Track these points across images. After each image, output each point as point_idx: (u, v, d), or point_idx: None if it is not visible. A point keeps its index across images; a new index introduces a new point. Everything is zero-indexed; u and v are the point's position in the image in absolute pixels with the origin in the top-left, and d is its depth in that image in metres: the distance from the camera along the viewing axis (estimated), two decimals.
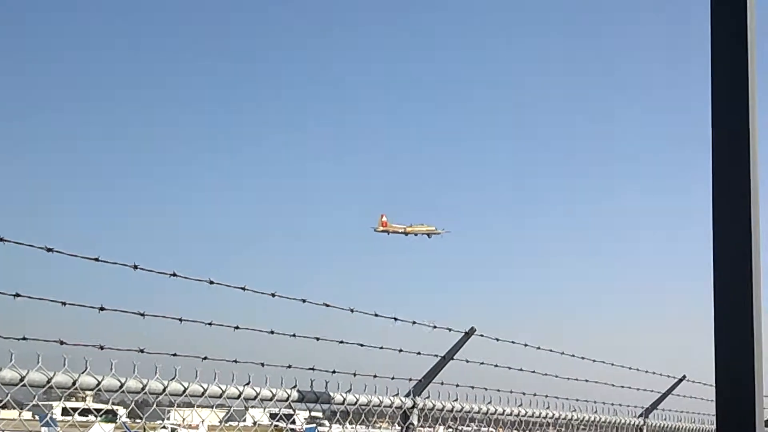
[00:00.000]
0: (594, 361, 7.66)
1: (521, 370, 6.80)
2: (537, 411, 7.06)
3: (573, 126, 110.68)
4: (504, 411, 6.68)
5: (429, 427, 6.44)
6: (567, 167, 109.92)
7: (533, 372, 6.92)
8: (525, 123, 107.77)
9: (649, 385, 8.97)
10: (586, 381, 7.70)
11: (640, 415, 8.91)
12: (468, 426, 7.34)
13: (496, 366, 6.48)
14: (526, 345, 6.75)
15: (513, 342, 6.61)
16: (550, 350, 7.01)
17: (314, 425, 8.47)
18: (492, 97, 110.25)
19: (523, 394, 6.86)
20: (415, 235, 73.13)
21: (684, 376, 9.17)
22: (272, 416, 5.39)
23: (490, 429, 7.77)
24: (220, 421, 5.29)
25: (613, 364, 8.01)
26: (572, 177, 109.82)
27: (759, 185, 2.50)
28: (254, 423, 5.72)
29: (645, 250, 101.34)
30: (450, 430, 7.04)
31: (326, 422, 6.68)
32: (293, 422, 7.54)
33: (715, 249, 2.49)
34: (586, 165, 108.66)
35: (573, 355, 7.35)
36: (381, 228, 72.53)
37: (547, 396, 7.17)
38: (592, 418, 7.82)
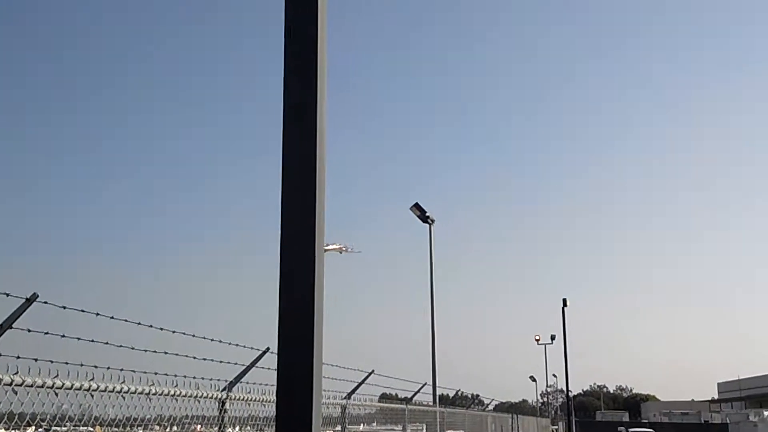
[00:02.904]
0: (174, 332, 7.46)
1: (93, 341, 6.39)
2: (111, 385, 6.69)
3: None
4: (73, 385, 6.24)
5: None
6: None
7: (107, 344, 6.54)
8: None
9: (233, 357, 9.00)
10: (166, 353, 7.46)
11: (224, 389, 8.91)
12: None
13: (63, 336, 6.02)
14: (98, 314, 6.36)
15: (82, 311, 6.19)
16: (125, 320, 6.68)
17: None
18: None
19: (95, 367, 6.46)
20: None
21: (268, 348, 9.36)
22: None
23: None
24: None
25: (194, 336, 7.87)
26: None
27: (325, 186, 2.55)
28: None
29: None
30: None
31: None
32: None
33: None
34: None
35: (151, 326, 7.09)
36: None
37: (122, 369, 6.83)
38: (172, 392, 7.63)
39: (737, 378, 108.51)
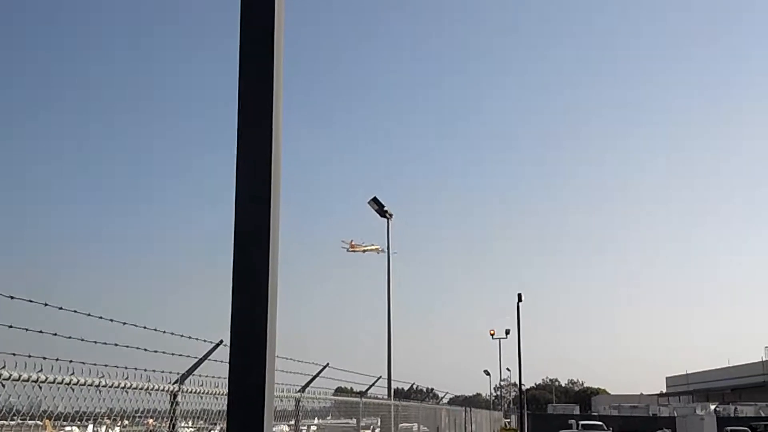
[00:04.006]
0: (124, 323, 7.31)
1: (41, 332, 6.22)
2: (60, 377, 6.53)
3: None
4: (20, 376, 6.07)
5: None
6: None
7: (55, 335, 6.37)
8: None
9: (186, 350, 8.87)
10: (116, 345, 7.31)
11: (176, 382, 8.77)
12: None
13: (11, 327, 5.85)
14: (46, 305, 6.19)
15: (30, 301, 6.02)
16: (74, 311, 6.52)
17: None
18: None
19: (44, 358, 6.29)
20: None
21: (221, 341, 9.22)
22: None
23: None
24: None
25: (146, 327, 7.73)
26: None
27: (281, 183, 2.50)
28: None
29: None
30: None
31: None
32: None
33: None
34: None
35: (101, 317, 6.93)
36: None
37: (71, 361, 6.66)
38: (123, 384, 7.49)
39: (685, 373, 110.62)
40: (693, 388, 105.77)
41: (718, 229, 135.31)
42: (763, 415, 67.14)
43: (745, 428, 55.33)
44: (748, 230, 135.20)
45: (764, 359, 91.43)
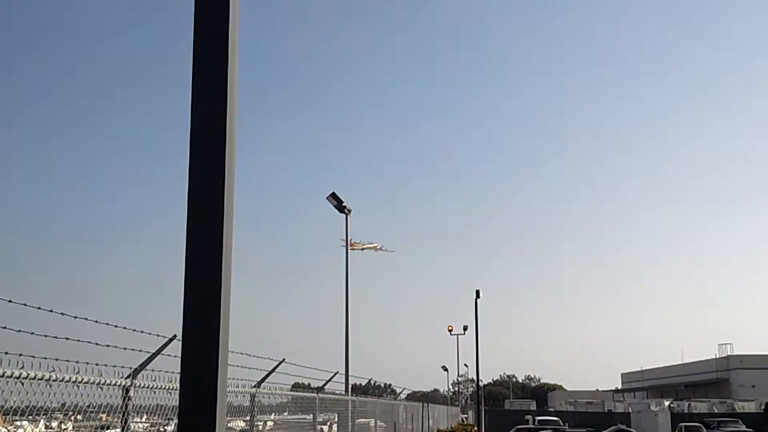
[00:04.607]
0: (76, 317, 7.24)
1: None
2: (9, 371, 6.46)
3: None
4: None
5: None
6: None
7: (5, 328, 6.31)
8: None
9: (139, 344, 8.82)
10: (67, 339, 7.24)
11: (128, 376, 8.72)
12: None
13: None
14: None
15: None
16: (24, 304, 6.45)
17: None
18: None
19: None
20: None
21: (175, 336, 9.18)
22: None
23: None
24: None
25: (97, 321, 7.67)
26: None
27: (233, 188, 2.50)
28: None
29: None
30: None
31: None
32: None
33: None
34: None
35: (51, 310, 6.87)
36: None
37: (21, 354, 6.60)
38: (74, 378, 7.42)
39: (640, 369, 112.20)
40: (648, 385, 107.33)
41: (671, 226, 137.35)
42: (716, 411, 68.32)
43: (699, 424, 56.26)
44: (700, 227, 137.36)
45: (718, 356, 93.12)
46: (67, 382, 7.35)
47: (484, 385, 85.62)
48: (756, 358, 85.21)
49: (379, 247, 57.01)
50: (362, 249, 46.81)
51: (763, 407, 67.02)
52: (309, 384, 19.54)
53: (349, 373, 26.65)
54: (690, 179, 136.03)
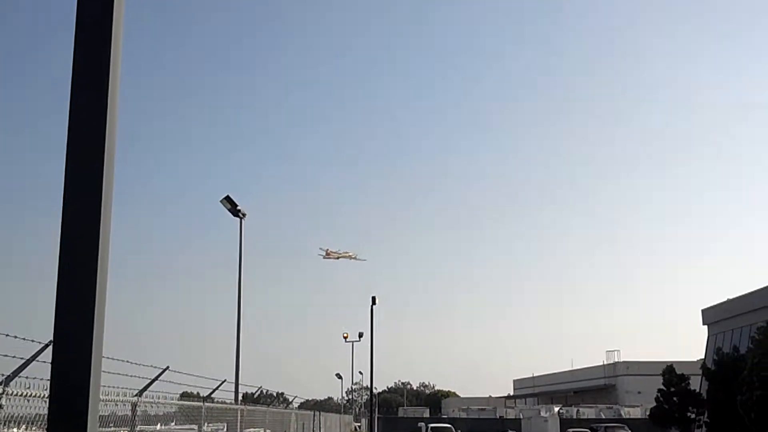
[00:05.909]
0: None
1: None
2: None
3: None
4: None
5: None
6: None
7: None
8: None
9: (12, 350, 8.53)
10: None
11: (0, 384, 8.42)
12: None
13: None
14: None
15: None
16: None
17: None
18: None
19: None
20: None
21: (51, 341, 8.91)
22: None
23: None
24: None
25: None
26: None
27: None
28: None
29: None
30: None
31: None
32: None
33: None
34: None
35: None
36: None
37: None
38: None
39: (531, 375, 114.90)
40: (539, 391, 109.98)
41: (565, 234, 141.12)
42: (603, 416, 70.58)
43: (586, 430, 58.05)
44: (593, 234, 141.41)
45: (605, 363, 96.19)
46: None
47: (379, 393, 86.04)
48: (642, 364, 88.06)
49: (354, 256, 57.14)
50: (338, 258, 46.83)
51: (647, 413, 69.74)
52: (198, 393, 19.25)
53: (239, 382, 26.32)
54: (561, 182, 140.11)
